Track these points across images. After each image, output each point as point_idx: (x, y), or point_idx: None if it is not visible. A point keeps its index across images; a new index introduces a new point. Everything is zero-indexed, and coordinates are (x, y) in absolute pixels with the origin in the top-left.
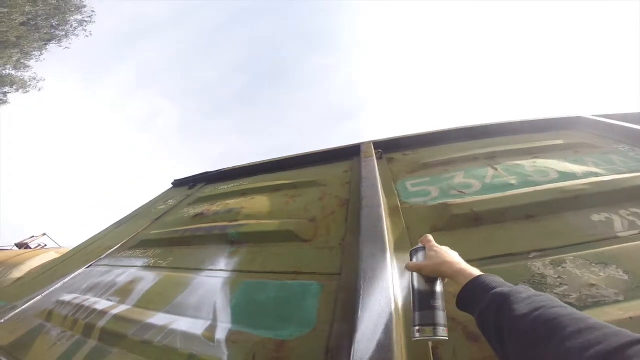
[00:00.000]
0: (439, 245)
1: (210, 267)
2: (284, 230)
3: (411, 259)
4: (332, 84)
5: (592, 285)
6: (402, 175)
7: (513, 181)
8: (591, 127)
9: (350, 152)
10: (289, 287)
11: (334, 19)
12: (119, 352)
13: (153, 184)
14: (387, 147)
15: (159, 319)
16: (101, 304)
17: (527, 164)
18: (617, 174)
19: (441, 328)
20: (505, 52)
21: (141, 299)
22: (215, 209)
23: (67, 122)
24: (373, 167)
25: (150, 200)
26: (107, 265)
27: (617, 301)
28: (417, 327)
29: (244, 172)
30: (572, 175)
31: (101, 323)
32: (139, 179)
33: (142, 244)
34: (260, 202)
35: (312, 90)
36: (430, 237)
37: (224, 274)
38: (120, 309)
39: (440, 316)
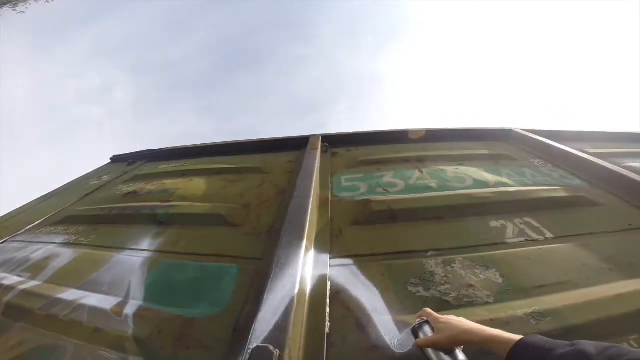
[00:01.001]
0: (444, 316)
1: (132, 247)
2: (214, 214)
3: (417, 336)
4: (306, 75)
5: (471, 286)
6: (340, 170)
7: (433, 185)
8: (517, 141)
9: (299, 144)
10: (207, 269)
11: (316, 9)
12: (21, 326)
13: (99, 159)
14: (334, 142)
15: (69, 294)
16: (9, 279)
17: (451, 170)
18: (523, 186)
19: None
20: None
21: (54, 275)
22: (149, 189)
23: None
24: (314, 159)
25: (84, 175)
26: (24, 241)
27: (487, 303)
28: None
29: (190, 152)
30: (485, 184)
31: (7, 298)
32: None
33: (66, 221)
34: (198, 185)
35: (284, 79)
36: (429, 310)
37: (145, 254)
38: (30, 285)
39: None
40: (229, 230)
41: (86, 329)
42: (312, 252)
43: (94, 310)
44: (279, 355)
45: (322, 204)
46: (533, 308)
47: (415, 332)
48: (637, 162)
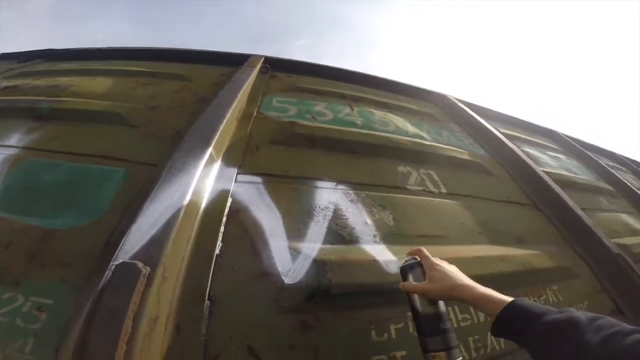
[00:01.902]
0: (440, 262)
1: None
2: (110, 112)
3: (405, 277)
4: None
5: (366, 223)
6: (274, 92)
7: (359, 122)
8: (446, 106)
9: (237, 60)
10: (85, 171)
11: None
12: None
13: None
14: (277, 66)
15: None
16: None
17: (379, 114)
18: (436, 142)
19: (456, 350)
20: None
21: None
22: (36, 84)
23: None
24: (248, 75)
25: None
26: None
27: (375, 243)
28: (432, 354)
29: (104, 54)
30: (404, 132)
31: None
32: None
33: None
34: (101, 84)
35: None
36: (425, 251)
37: (7, 151)
38: None
39: (452, 338)
40: (124, 130)
41: None
42: (218, 164)
43: None
44: (149, 274)
45: (244, 118)
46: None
47: (404, 272)
48: (532, 149)
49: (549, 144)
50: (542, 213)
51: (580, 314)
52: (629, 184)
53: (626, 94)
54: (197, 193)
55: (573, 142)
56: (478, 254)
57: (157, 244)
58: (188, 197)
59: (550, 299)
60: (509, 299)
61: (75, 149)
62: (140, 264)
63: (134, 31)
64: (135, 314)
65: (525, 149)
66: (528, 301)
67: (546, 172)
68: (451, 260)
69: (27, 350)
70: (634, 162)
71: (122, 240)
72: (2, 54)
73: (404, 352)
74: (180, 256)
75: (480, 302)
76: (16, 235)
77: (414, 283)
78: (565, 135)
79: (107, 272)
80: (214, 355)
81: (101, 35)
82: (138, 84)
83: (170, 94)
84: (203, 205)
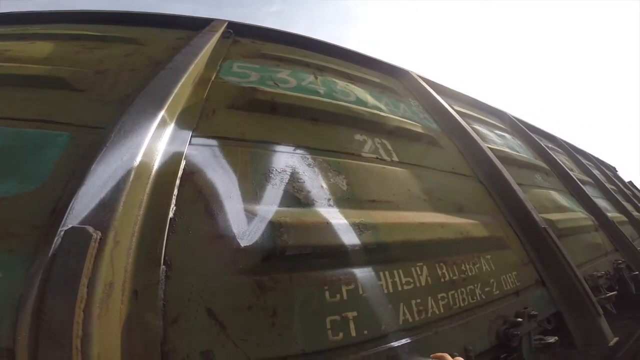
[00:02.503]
0: None
1: None
2: (52, 77)
3: None
4: None
5: (321, 187)
6: (236, 57)
7: (321, 91)
8: (407, 82)
9: (199, 24)
10: (25, 136)
11: None
12: None
13: None
14: (242, 31)
15: None
16: None
17: (342, 84)
18: (391, 114)
19: None
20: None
21: None
22: None
23: None
24: (207, 40)
25: None
26: None
27: (329, 206)
28: None
29: (45, 18)
30: (364, 103)
31: None
32: None
33: None
34: (41, 48)
35: None
36: (448, 357)
37: None
38: None
39: None
40: (67, 94)
41: None
42: (171, 127)
43: None
44: (100, 239)
45: (201, 82)
46: (361, 219)
47: None
48: (480, 127)
49: (497, 124)
50: (483, 185)
51: None
52: (562, 164)
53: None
54: (148, 155)
55: (519, 124)
56: (421, 220)
57: (107, 207)
58: (138, 159)
59: (484, 267)
60: None
61: (14, 113)
62: (90, 229)
63: None
64: (89, 280)
65: (475, 126)
66: None
67: (490, 148)
68: (400, 225)
69: None
70: (571, 146)
71: (70, 205)
72: None
73: (355, 313)
74: (133, 220)
75: None
76: None
77: None
78: (513, 117)
79: (56, 238)
80: (173, 319)
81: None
82: (84, 48)
83: (120, 57)
84: (155, 167)
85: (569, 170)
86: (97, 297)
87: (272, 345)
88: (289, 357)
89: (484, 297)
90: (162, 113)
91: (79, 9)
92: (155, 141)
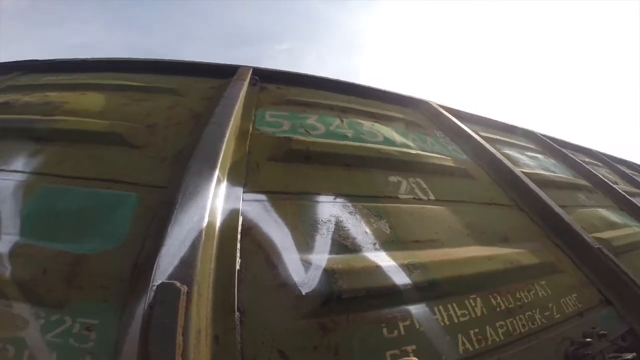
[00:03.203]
0: None
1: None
2: (110, 132)
3: None
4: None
5: (365, 233)
6: (266, 105)
7: (349, 134)
8: (429, 112)
9: (226, 72)
10: (99, 197)
11: None
12: None
13: None
14: (265, 77)
15: None
16: None
17: (367, 124)
18: (422, 150)
19: None
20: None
21: None
22: (27, 100)
23: None
24: (239, 89)
25: None
26: None
27: (375, 250)
28: None
29: (89, 66)
30: (392, 142)
31: None
32: None
33: None
34: (93, 100)
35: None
36: None
37: (17, 177)
38: None
39: None
40: (126, 151)
41: None
42: (224, 184)
43: None
44: (187, 292)
45: (241, 135)
46: (408, 260)
47: None
48: (511, 151)
49: (527, 145)
50: (524, 212)
51: None
52: (605, 179)
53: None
54: (212, 214)
55: (550, 141)
56: (467, 254)
57: (187, 264)
58: (206, 219)
59: (540, 293)
60: None
61: (84, 173)
62: (178, 284)
63: (109, 34)
64: (183, 329)
65: (505, 151)
66: None
67: (525, 173)
68: (448, 262)
69: None
70: (610, 157)
71: (156, 263)
72: None
73: (414, 346)
74: (207, 273)
75: None
76: (49, 261)
77: None
78: (542, 135)
79: (149, 293)
80: None
81: (76, 40)
82: (131, 100)
83: (164, 110)
84: (218, 225)
85: (613, 185)
86: (191, 343)
87: None
88: None
89: (545, 321)
90: (217, 172)
91: (122, 57)
92: (215, 200)
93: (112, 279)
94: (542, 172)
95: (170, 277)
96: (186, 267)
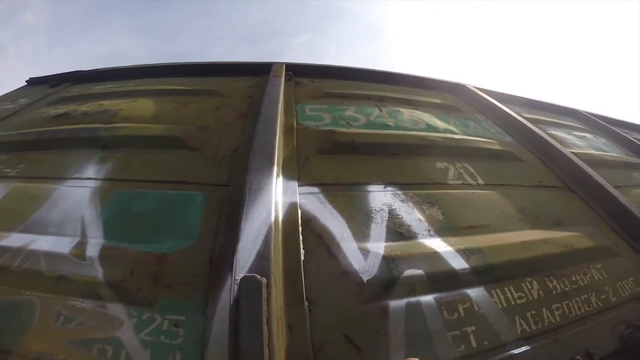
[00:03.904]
0: None
1: (74, 176)
2: (169, 136)
3: None
4: None
5: (419, 220)
6: (304, 99)
7: (391, 123)
8: (467, 95)
9: (260, 70)
10: (169, 198)
11: None
12: None
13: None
14: (298, 72)
15: (13, 240)
16: None
17: (407, 112)
18: (465, 135)
19: None
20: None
21: None
22: (84, 110)
23: None
24: (278, 86)
25: None
26: None
27: (430, 236)
28: None
29: (130, 73)
30: (435, 129)
31: None
32: None
33: None
34: (144, 105)
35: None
36: None
37: (92, 184)
38: None
39: None
40: (186, 154)
41: (48, 279)
42: (281, 179)
43: (50, 256)
44: (267, 284)
45: (287, 131)
46: (464, 245)
47: None
48: (557, 131)
49: (573, 124)
50: (576, 194)
51: None
52: None
53: None
54: (276, 209)
55: (598, 120)
56: (522, 239)
57: (263, 257)
58: (273, 214)
59: (595, 276)
60: None
61: (152, 176)
62: (258, 276)
63: (134, 41)
64: (267, 320)
65: (551, 132)
66: None
67: (575, 153)
68: (503, 246)
69: None
70: None
71: (235, 257)
72: (31, 78)
73: (473, 327)
74: (278, 265)
75: None
76: (135, 262)
77: None
78: (588, 113)
79: (232, 286)
80: (320, 347)
81: (103, 50)
82: (179, 104)
83: (212, 111)
84: (281, 218)
85: None
86: (274, 333)
87: None
88: None
89: (600, 304)
90: (275, 169)
91: (159, 63)
92: (277, 195)
93: (192, 275)
94: (592, 151)
95: (250, 270)
96: (263, 260)
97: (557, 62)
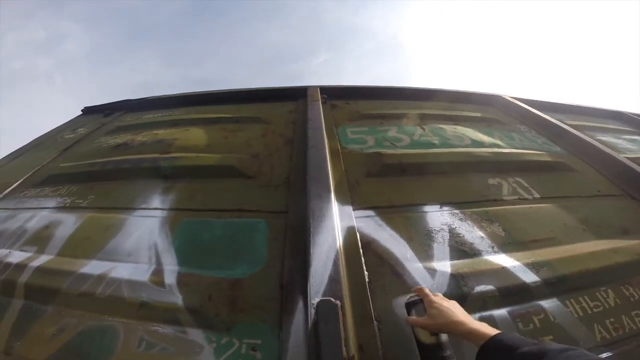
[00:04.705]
0: (439, 300)
1: (142, 206)
2: (225, 166)
3: (409, 312)
4: (284, 23)
5: (481, 237)
6: (343, 122)
7: (436, 141)
8: (505, 106)
9: (296, 94)
10: (234, 226)
11: None
12: (55, 309)
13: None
14: (332, 94)
15: (93, 267)
16: (15, 256)
17: (449, 128)
18: (513, 148)
19: None
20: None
21: (65, 246)
22: (141, 139)
23: None
24: (318, 110)
25: (55, 129)
26: (8, 208)
27: (495, 253)
28: None
29: (175, 102)
30: (481, 144)
31: (23, 278)
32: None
33: (50, 180)
34: (196, 135)
35: (258, 25)
36: (426, 290)
37: (160, 213)
38: (42, 260)
39: None
40: (243, 182)
41: (131, 305)
42: (337, 204)
43: (131, 283)
44: (341, 306)
45: (334, 155)
46: (532, 259)
47: (408, 307)
48: (605, 136)
49: (620, 127)
50: (638, 201)
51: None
52: None
53: None
54: (339, 234)
55: None
56: (589, 249)
57: (334, 281)
58: (338, 240)
59: None
60: (495, 332)
61: (214, 205)
62: (333, 300)
63: (165, 70)
64: (345, 341)
65: (599, 138)
66: (509, 335)
67: (629, 158)
68: (571, 258)
69: None
70: None
71: (309, 282)
72: (86, 107)
73: (550, 337)
74: (347, 288)
75: (468, 336)
76: (212, 287)
77: (416, 318)
78: (634, 115)
79: (309, 310)
80: None
81: (138, 79)
82: (227, 132)
83: (260, 138)
84: (341, 241)
85: None
86: (351, 354)
87: None
88: None
89: None
90: (332, 195)
91: (202, 91)
92: (337, 221)
93: (265, 300)
94: None
95: (324, 294)
96: (335, 284)
97: (557, 61)
